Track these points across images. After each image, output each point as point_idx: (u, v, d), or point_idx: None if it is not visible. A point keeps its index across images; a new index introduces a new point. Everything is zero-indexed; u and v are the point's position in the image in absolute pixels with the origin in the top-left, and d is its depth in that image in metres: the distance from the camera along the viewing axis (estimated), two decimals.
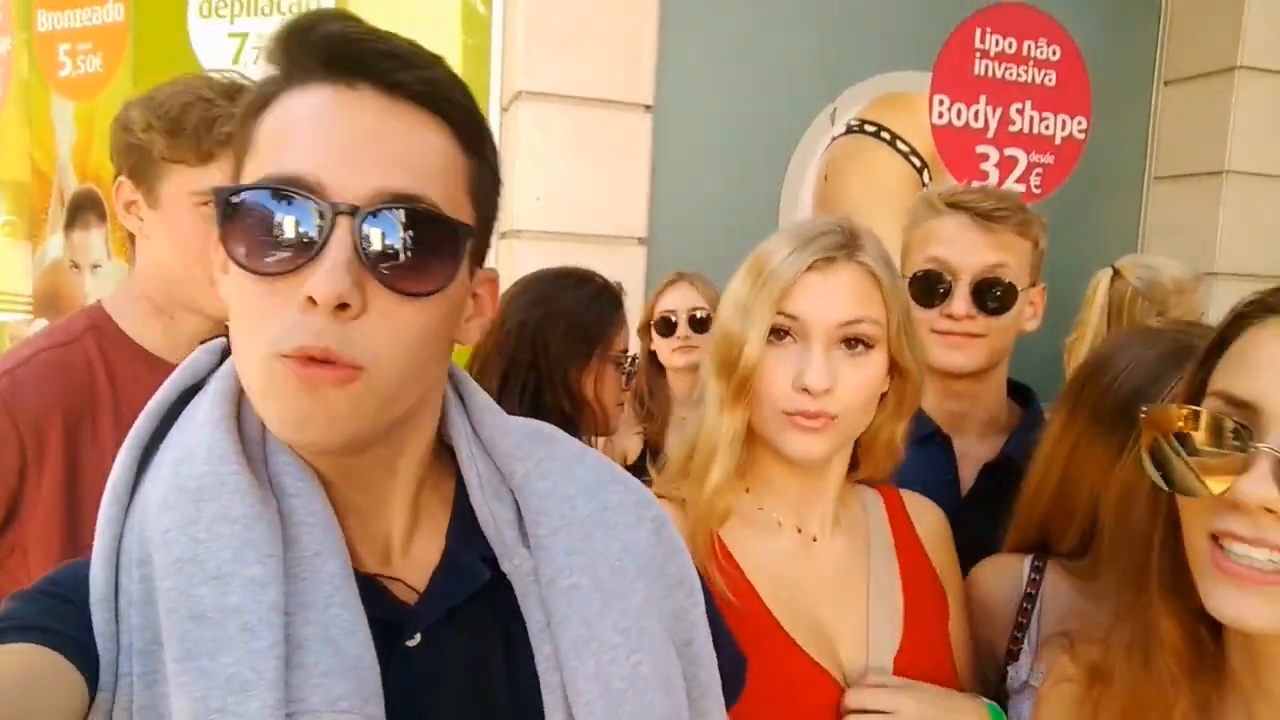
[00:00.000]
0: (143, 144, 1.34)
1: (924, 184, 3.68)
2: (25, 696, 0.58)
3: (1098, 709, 0.88)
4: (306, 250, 0.64)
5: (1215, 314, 3.23)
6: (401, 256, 0.66)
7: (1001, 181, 3.43)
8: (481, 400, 0.85)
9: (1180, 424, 0.77)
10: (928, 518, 1.33)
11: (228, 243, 0.67)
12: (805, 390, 1.09)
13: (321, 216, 0.64)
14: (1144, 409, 0.82)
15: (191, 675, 0.62)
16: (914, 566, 1.25)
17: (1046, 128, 3.51)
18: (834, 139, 3.58)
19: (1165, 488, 0.80)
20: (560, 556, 0.78)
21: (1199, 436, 0.76)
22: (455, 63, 3.39)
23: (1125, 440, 1.14)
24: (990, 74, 3.42)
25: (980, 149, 3.41)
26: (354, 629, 0.68)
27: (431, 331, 0.70)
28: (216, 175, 1.32)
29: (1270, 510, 0.71)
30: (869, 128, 3.63)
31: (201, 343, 0.82)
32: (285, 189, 0.64)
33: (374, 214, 0.65)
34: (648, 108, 3.07)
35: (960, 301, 1.62)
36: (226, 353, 0.78)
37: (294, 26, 0.68)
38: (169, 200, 1.36)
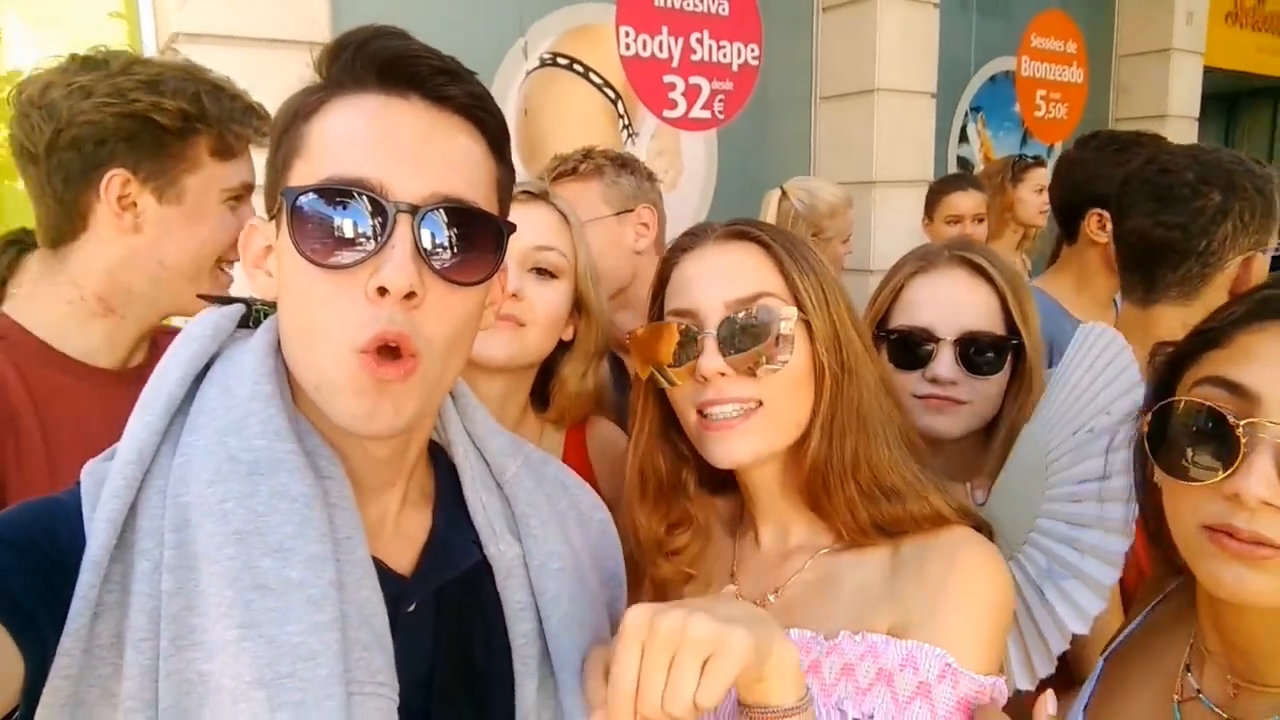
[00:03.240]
0: (162, 132, 1.22)
1: (619, 114, 3.78)
2: None
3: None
4: (371, 245, 0.71)
5: (878, 217, 3.65)
6: (453, 250, 0.73)
7: (689, 109, 3.59)
8: (473, 400, 0.94)
9: (660, 336, 1.04)
10: (610, 451, 1.47)
11: (296, 240, 0.71)
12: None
13: (384, 215, 0.71)
14: (627, 334, 1.10)
15: (256, 642, 0.66)
16: None
17: (724, 56, 3.72)
18: (529, 73, 3.56)
19: (661, 383, 1.07)
20: (549, 544, 0.90)
21: (671, 343, 1.03)
22: (114, 4, 2.92)
23: None
24: (670, 5, 3.54)
25: (667, 78, 3.55)
26: (379, 609, 0.76)
27: (472, 317, 0.79)
28: (244, 170, 1.28)
29: (724, 374, 0.98)
30: (561, 60, 3.64)
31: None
32: (351, 189, 0.71)
33: (431, 213, 0.72)
34: None
35: None
36: (243, 323, 0.83)
37: (350, 41, 0.75)
38: (197, 196, 1.27)
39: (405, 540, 0.85)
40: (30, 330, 1.25)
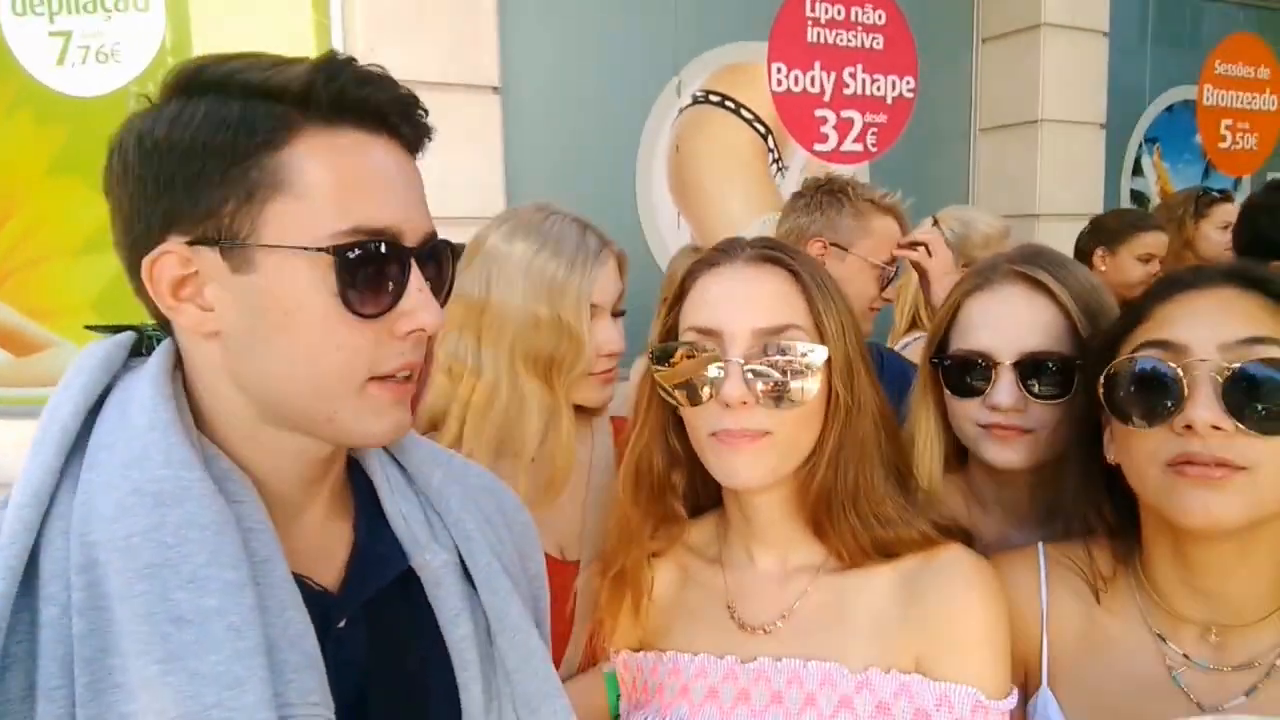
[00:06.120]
0: None
1: (769, 149, 3.81)
2: None
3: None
4: (397, 290, 0.74)
5: None
6: (442, 280, 0.80)
7: (841, 142, 3.59)
8: None
9: (682, 353, 1.05)
10: None
11: (342, 291, 0.72)
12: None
13: (403, 260, 0.74)
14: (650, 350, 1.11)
15: (179, 676, 0.64)
16: None
17: (878, 89, 3.69)
18: (681, 110, 3.65)
19: (675, 403, 1.07)
20: (485, 549, 0.90)
21: (694, 363, 1.04)
22: (309, 47, 3.16)
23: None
24: (823, 40, 3.56)
25: (819, 113, 3.56)
26: (306, 630, 0.73)
27: None
28: None
29: (746, 403, 1.00)
30: (714, 98, 3.72)
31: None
32: (382, 240, 0.73)
33: (430, 251, 0.77)
34: (495, 89, 3.04)
35: None
36: (135, 350, 0.80)
37: (341, 72, 0.72)
38: None
39: (329, 555, 0.84)
40: None
